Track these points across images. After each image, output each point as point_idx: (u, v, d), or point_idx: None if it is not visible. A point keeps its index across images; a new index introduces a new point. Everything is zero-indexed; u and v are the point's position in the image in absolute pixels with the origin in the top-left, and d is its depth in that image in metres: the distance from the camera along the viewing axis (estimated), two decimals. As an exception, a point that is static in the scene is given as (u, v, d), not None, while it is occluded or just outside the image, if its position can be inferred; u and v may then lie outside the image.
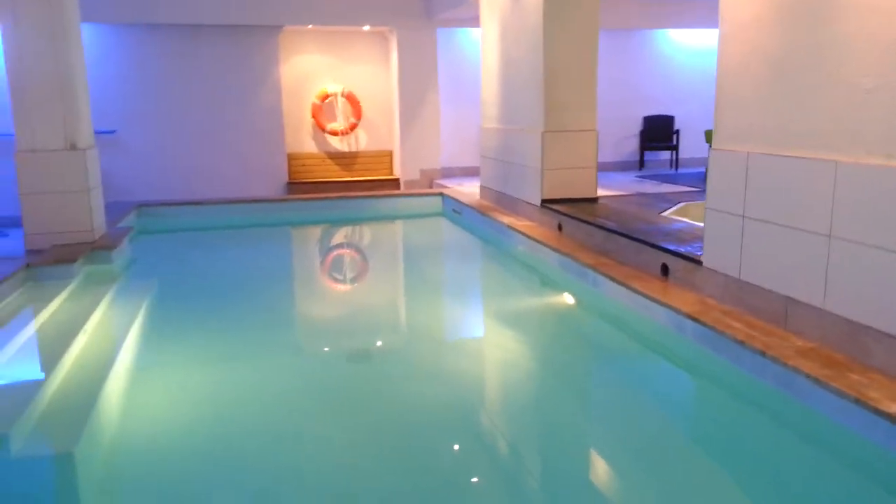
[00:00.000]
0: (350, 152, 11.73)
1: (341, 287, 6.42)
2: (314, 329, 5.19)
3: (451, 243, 8.37)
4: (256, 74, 10.70)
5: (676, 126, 11.94)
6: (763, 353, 3.30)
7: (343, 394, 3.74)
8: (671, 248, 4.62)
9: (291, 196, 10.40)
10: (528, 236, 6.38)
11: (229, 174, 10.74)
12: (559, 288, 5.78)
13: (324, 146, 11.59)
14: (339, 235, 9.02)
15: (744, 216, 3.83)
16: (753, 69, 3.71)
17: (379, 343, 4.74)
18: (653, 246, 4.79)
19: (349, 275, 6.93)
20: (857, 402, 2.77)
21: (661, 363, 4.23)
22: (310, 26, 10.71)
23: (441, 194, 9.58)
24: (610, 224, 5.51)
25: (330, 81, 11.32)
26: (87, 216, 6.14)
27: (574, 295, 5.46)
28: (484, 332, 5.07)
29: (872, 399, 2.76)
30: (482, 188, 8.78)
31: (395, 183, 11.47)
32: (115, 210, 7.83)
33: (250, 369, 4.13)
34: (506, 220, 7.13)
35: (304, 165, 11.53)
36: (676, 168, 11.76)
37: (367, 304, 5.76)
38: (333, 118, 11.38)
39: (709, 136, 11.20)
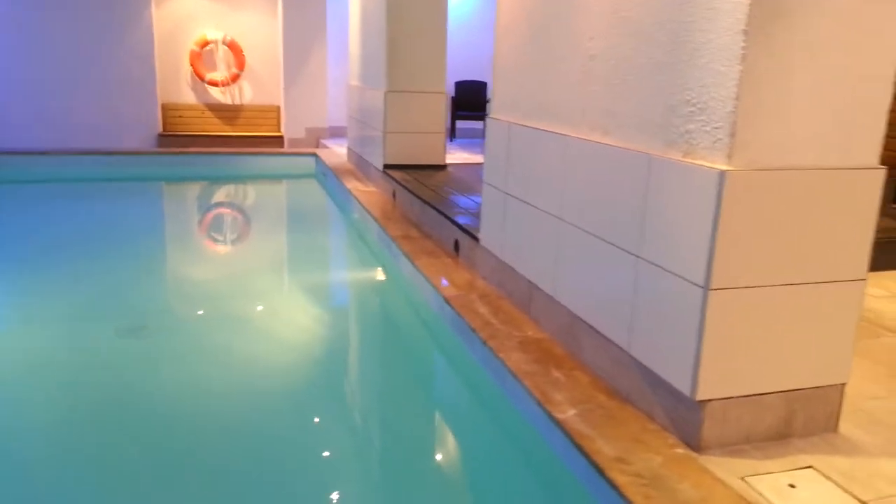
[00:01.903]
0: (233, 105, 11.08)
1: (158, 250, 5.94)
2: (103, 297, 4.70)
3: (305, 207, 7.95)
4: (125, 15, 9.93)
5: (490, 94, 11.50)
6: (484, 343, 3.01)
7: (97, 370, 3.32)
8: (462, 222, 4.30)
9: (145, 149, 9.71)
10: (361, 203, 6.00)
11: (96, 123, 9.99)
12: (370, 260, 5.43)
13: (204, 97, 10.91)
14: (189, 195, 8.49)
15: (505, 193, 3.52)
16: (519, 29, 3.35)
17: (157, 316, 4.29)
18: (449, 220, 4.46)
19: (170, 238, 6.44)
20: (539, 404, 2.50)
21: (420, 345, 3.92)
22: (185, -35, 9.96)
23: (314, 155, 9.11)
24: (426, 194, 5.16)
25: (211, 27, 10.62)
26: None
27: (381, 267, 5.12)
28: (276, 304, 4.68)
29: (553, 402, 2.48)
30: (349, 150, 8.36)
31: (280, 141, 10.92)
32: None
33: (19, 338, 3.68)
34: (350, 185, 6.73)
35: (181, 117, 10.83)
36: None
37: (166, 269, 5.31)
38: (214, 67, 10.70)
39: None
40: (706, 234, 2.03)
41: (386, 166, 6.31)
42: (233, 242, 6.30)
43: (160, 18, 10.32)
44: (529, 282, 3.25)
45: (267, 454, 2.66)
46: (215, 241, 6.40)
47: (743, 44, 1.92)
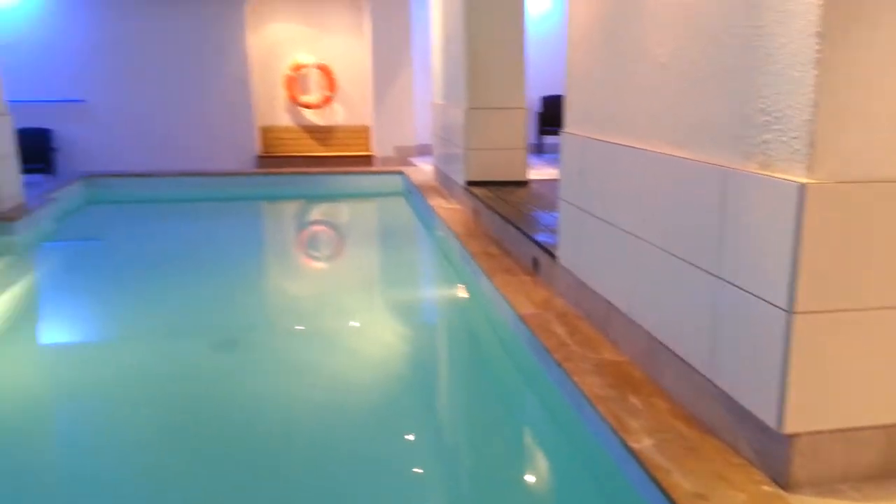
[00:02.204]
0: (326, 126, 11.42)
1: (251, 268, 6.17)
2: (199, 312, 4.91)
3: (391, 225, 8.05)
4: (223, 42, 10.46)
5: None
6: (559, 364, 2.91)
7: (199, 384, 3.50)
8: (541, 239, 4.21)
9: (241, 171, 10.08)
10: (443, 220, 6.01)
11: (197, 145, 10.57)
12: (452, 277, 5.40)
13: (299, 119, 11.31)
14: (281, 214, 8.79)
15: (581, 209, 3.40)
16: (589, 40, 3.25)
17: (248, 332, 4.43)
18: (527, 237, 4.38)
19: (263, 255, 6.68)
20: (614, 431, 2.37)
21: (498, 365, 3.84)
22: (278, -6, 10.40)
23: (401, 173, 9.23)
24: (505, 211, 5.10)
25: (303, 52, 11.01)
26: (-10, 187, 6.02)
27: (463, 285, 5.08)
28: (360, 320, 4.73)
29: (628, 430, 2.36)
30: (434, 167, 8.41)
31: (370, 159, 11.15)
32: (64, 180, 7.75)
33: (115, 352, 3.94)
34: (434, 202, 6.76)
35: (278, 139, 11.29)
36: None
37: (258, 286, 5.50)
38: (307, 90, 11.08)
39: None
40: (788, 252, 1.86)
41: (468, 183, 6.29)
42: (321, 260, 6.46)
43: (255, 45, 10.80)
44: (607, 301, 3.12)
45: (348, 469, 2.67)
46: (305, 259, 6.58)
47: (817, 47, 1.76)
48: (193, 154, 10.49)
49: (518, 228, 4.59)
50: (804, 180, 1.82)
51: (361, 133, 11.49)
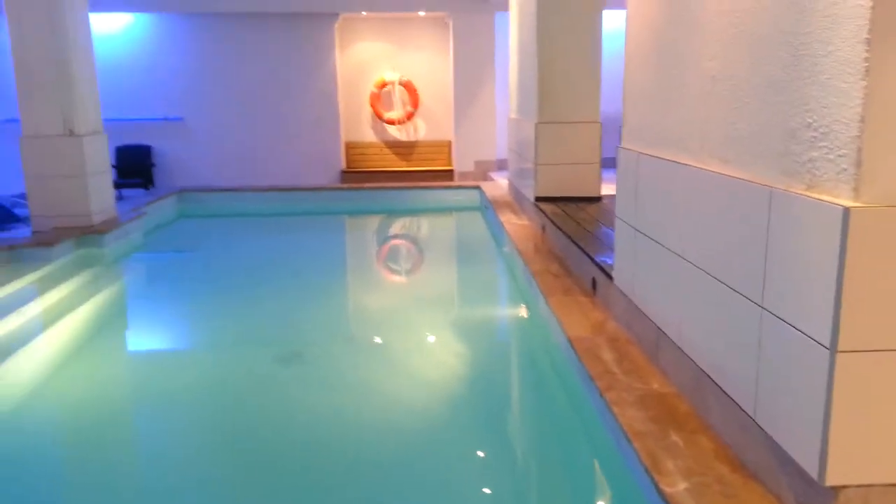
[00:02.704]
0: (408, 141, 11.55)
1: (325, 282, 6.27)
2: (271, 323, 5.03)
3: (463, 241, 8.00)
4: (313, 62, 10.78)
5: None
6: (601, 394, 2.75)
7: (249, 395, 3.60)
8: (602, 259, 4.03)
9: (322, 186, 10.26)
10: (510, 236, 5.90)
11: (287, 161, 10.92)
12: (516, 297, 5.27)
13: (382, 135, 11.50)
14: (360, 228, 8.91)
15: (635, 228, 3.23)
16: (644, 53, 3.09)
17: (313, 345, 4.48)
18: (587, 256, 4.21)
19: (337, 271, 6.78)
20: (647, 471, 2.20)
21: (550, 390, 3.68)
22: (364, 13, 10.63)
23: (478, 188, 9.19)
24: (569, 228, 4.94)
25: (388, 69, 11.19)
26: (85, 200, 6.41)
27: (524, 305, 4.96)
28: (421, 339, 4.69)
29: (663, 471, 2.18)
30: (509, 182, 8.31)
31: (450, 174, 11.17)
32: (160, 195, 8.20)
33: (185, 362, 4.11)
34: (504, 217, 6.66)
35: (362, 154, 11.50)
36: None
37: (329, 299, 5.57)
38: (391, 107, 11.25)
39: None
40: (831, 284, 1.67)
41: (537, 199, 6.16)
42: (392, 276, 6.49)
43: (343, 63, 11.07)
44: (657, 327, 2.93)
45: (400, 489, 2.63)
46: (378, 274, 6.63)
47: (866, 55, 1.57)
48: (283, 169, 10.85)
49: (579, 246, 4.43)
50: (849, 203, 1.62)
51: (443, 148, 11.54)
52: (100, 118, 6.86)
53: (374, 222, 9.06)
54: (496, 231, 6.96)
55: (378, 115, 11.22)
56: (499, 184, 9.23)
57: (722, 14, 2.27)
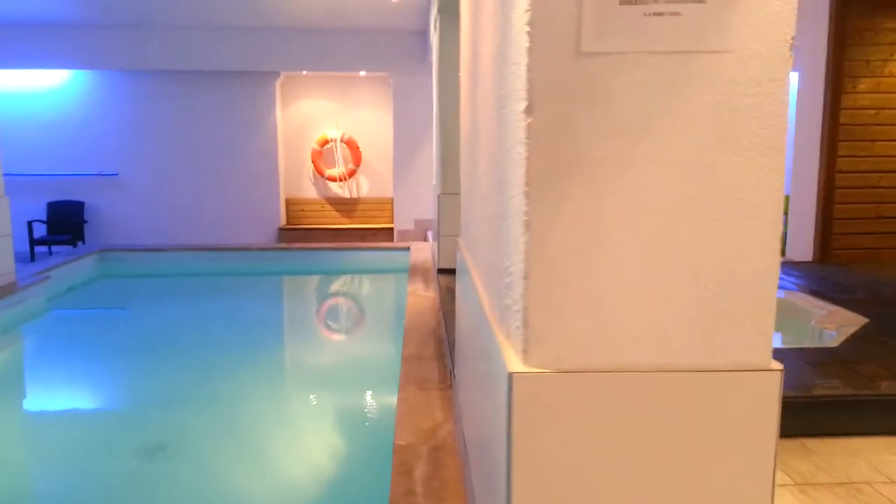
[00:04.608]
0: (351, 198, 11.48)
1: (206, 356, 6.06)
2: (141, 406, 4.81)
3: (376, 311, 7.81)
4: (253, 119, 10.74)
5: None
6: (388, 523, 2.54)
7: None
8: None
9: (245, 246, 9.96)
10: (408, 309, 5.73)
11: (224, 218, 10.80)
12: (382, 386, 5.06)
13: (324, 192, 11.42)
14: (280, 293, 8.71)
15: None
16: (464, 150, 2.98)
17: (180, 436, 4.27)
18: (450, 342, 4.04)
19: (222, 342, 6.56)
20: None
21: None
22: (304, 72, 10.63)
23: (408, 249, 9.05)
24: (452, 306, 4.78)
25: (332, 126, 11.18)
26: (-22, 265, 6.21)
27: (385, 395, 4.74)
28: (285, 430, 4.48)
29: None
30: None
31: (391, 232, 11.07)
32: (72, 255, 7.99)
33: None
34: (411, 287, 6.51)
35: (303, 211, 11.40)
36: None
37: (206, 378, 5.35)
38: (333, 164, 11.20)
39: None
40: (504, 459, 1.50)
41: (439, 270, 6.02)
42: (283, 353, 6.29)
43: (285, 120, 11.05)
44: (464, 437, 2.75)
45: None
46: (271, 349, 6.42)
47: (525, 208, 1.44)
48: (221, 226, 10.71)
49: (447, 328, 4.27)
50: (515, 368, 1.47)
51: (385, 205, 11.47)
52: (0, 180, 6.70)
53: (297, 286, 8.87)
54: (404, 301, 6.80)
55: (319, 172, 11.16)
56: (431, 245, 9.10)
57: (465, 140, 2.16)
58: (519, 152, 1.46)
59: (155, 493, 3.45)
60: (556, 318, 1.46)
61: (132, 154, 10.63)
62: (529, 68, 1.40)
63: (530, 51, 1.39)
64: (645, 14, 1.39)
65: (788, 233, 6.98)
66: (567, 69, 1.39)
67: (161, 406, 4.61)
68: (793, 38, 1.43)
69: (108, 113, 10.47)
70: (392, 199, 11.32)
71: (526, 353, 1.47)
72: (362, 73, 10.78)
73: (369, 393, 5.06)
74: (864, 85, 6.23)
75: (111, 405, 4.80)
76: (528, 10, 1.38)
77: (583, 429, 1.47)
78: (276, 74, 10.59)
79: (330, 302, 8.40)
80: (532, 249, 1.44)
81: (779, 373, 1.48)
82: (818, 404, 3.23)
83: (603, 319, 1.46)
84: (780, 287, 5.53)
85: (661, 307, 1.46)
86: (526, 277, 1.46)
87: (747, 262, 1.45)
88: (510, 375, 1.46)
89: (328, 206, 11.39)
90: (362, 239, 10.67)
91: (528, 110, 1.41)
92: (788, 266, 6.35)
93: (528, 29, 1.39)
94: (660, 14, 1.39)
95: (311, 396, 5.02)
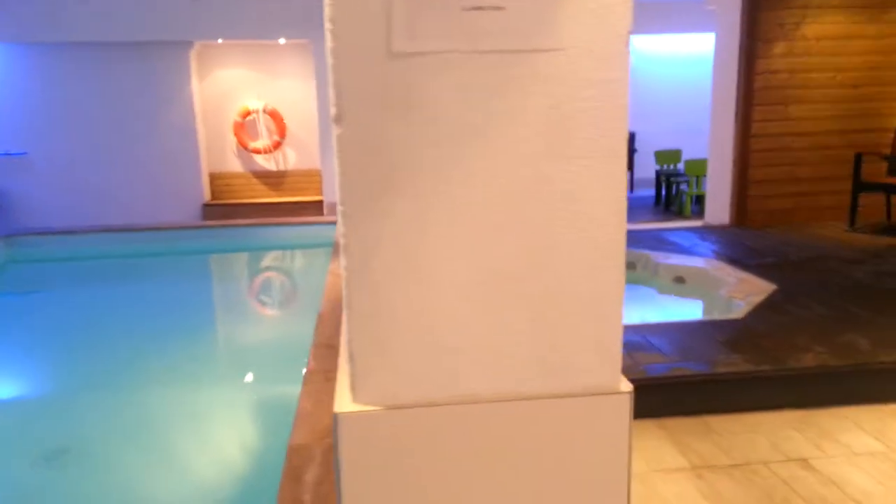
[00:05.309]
0: (278, 171, 11.12)
1: (117, 346, 5.78)
2: (47, 405, 4.53)
3: (298, 292, 7.60)
4: (168, 92, 10.23)
5: (636, 144, 10.73)
6: (270, 539, 2.41)
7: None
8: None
9: (158, 225, 9.53)
10: (325, 290, 5.55)
11: (143, 196, 10.34)
12: (296, 376, 4.93)
13: (250, 165, 11.03)
14: (203, 274, 8.41)
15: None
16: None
17: (82, 441, 4.02)
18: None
19: (135, 331, 6.29)
20: None
21: None
22: (220, 41, 10.14)
23: (336, 222, 8.81)
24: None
25: (253, 97, 10.74)
26: None
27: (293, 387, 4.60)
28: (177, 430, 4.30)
29: None
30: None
31: (320, 205, 10.79)
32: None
33: None
34: (333, 265, 6.32)
35: (227, 185, 11.01)
36: (632, 190, 10.60)
37: (117, 374, 5.09)
38: (256, 136, 10.80)
39: (659, 157, 9.99)
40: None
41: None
42: (199, 343, 6.06)
43: (203, 92, 10.55)
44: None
45: None
46: (188, 339, 6.18)
47: (343, 229, 1.29)
48: (139, 205, 10.26)
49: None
50: (341, 408, 1.33)
51: (314, 177, 11.16)
52: None
53: (217, 266, 8.57)
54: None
55: (243, 145, 10.75)
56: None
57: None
58: (336, 167, 1.30)
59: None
60: (382, 350, 1.32)
61: (41, 132, 10.01)
62: (335, 71, 1.23)
63: (335, 51, 1.22)
64: (463, 9, 1.23)
65: (706, 197, 7.03)
66: (378, 72, 1.23)
67: (62, 403, 4.36)
68: (629, 32, 1.29)
69: (14, 88, 9.80)
70: (320, 171, 11.01)
71: (354, 391, 1.34)
72: (282, 41, 10.34)
73: (272, 386, 4.90)
74: (777, 49, 6.24)
75: (10, 402, 4.53)
76: (329, 4, 1.21)
77: (421, 469, 1.35)
78: (189, 44, 10.07)
79: (247, 284, 8.15)
80: (352, 276, 1.30)
81: (628, 395, 1.38)
82: (720, 381, 3.22)
83: (435, 348, 1.33)
84: (698, 254, 5.56)
85: (498, 332, 1.33)
86: (348, 307, 1.31)
87: (589, 281, 1.33)
88: (335, 416, 1.32)
89: (254, 180, 11.00)
90: (292, 213, 10.36)
91: (338, 119, 1.24)
92: (706, 230, 6.39)
93: (330, 26, 1.22)
94: (480, 8, 1.23)
95: (214, 391, 4.83)
